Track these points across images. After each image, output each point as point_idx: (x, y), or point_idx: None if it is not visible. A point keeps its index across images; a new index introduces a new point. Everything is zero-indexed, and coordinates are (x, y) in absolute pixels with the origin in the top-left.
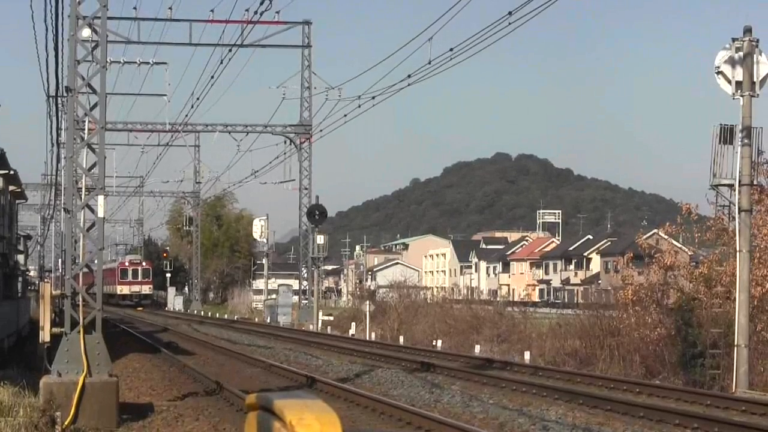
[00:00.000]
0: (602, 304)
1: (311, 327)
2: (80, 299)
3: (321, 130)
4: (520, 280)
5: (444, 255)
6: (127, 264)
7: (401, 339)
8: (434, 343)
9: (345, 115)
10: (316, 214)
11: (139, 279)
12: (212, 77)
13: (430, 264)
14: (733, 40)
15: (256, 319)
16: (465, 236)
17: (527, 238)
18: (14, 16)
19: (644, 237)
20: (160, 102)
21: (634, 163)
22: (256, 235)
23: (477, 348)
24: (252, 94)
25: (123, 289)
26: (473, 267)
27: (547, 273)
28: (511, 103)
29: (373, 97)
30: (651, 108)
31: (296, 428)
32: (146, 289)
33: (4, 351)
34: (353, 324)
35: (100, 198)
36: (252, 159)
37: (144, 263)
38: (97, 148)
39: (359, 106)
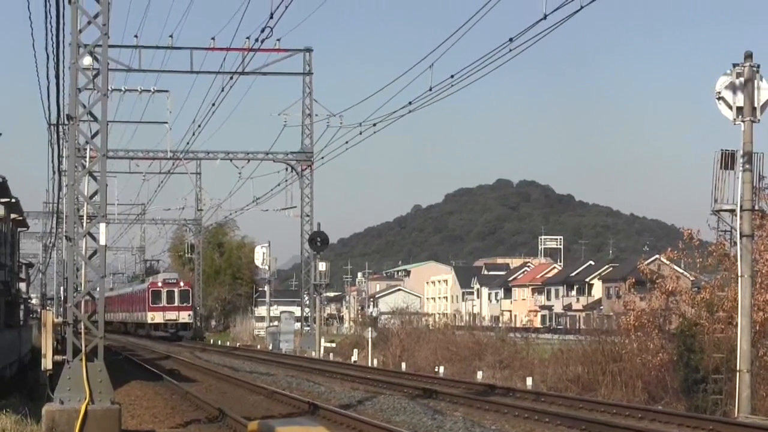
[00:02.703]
0: (604, 330)
1: (313, 354)
2: (82, 327)
3: (322, 157)
4: (522, 306)
5: (446, 281)
6: (160, 284)
7: (403, 365)
8: (436, 370)
9: (346, 142)
10: (318, 241)
11: (176, 303)
12: (213, 105)
13: (432, 290)
14: (734, 65)
15: (259, 346)
16: (467, 262)
17: (529, 264)
18: (15, 44)
19: (646, 262)
20: (162, 129)
21: (636, 189)
22: (258, 262)
23: (479, 374)
24: (253, 121)
25: (155, 317)
26: (475, 293)
27: (549, 299)
28: (512, 129)
29: (374, 124)
30: (653, 133)
31: None
32: (185, 317)
33: (6, 379)
34: (355, 351)
35: (102, 226)
36: (253, 186)
37: (182, 283)
38: (98, 176)
39: (360, 133)
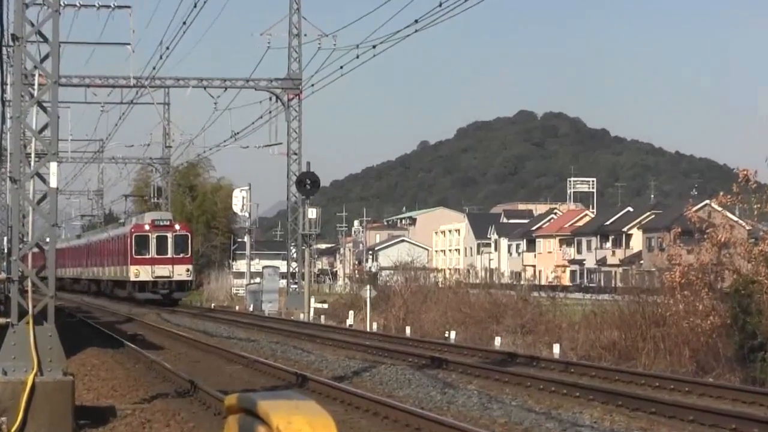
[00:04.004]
0: (645, 288)
1: (302, 316)
2: (29, 284)
3: (312, 85)
4: (547, 261)
5: (458, 231)
6: (147, 227)
7: (408, 330)
8: (447, 335)
9: (341, 67)
10: (307, 183)
11: (170, 254)
12: (184, 23)
13: (441, 242)
14: None
15: (237, 307)
16: (483, 209)
17: (556, 210)
18: None
19: (694, 209)
20: (123, 52)
21: (682, 122)
22: (236, 208)
23: (497, 340)
24: (231, 43)
25: (140, 273)
26: (492, 245)
27: (579, 252)
28: (537, 51)
29: (374, 46)
30: (701, 58)
31: None
32: (182, 272)
33: None
34: (351, 313)
35: (53, 165)
36: (231, 119)
37: (177, 226)
38: (48, 107)
39: (357, 57)
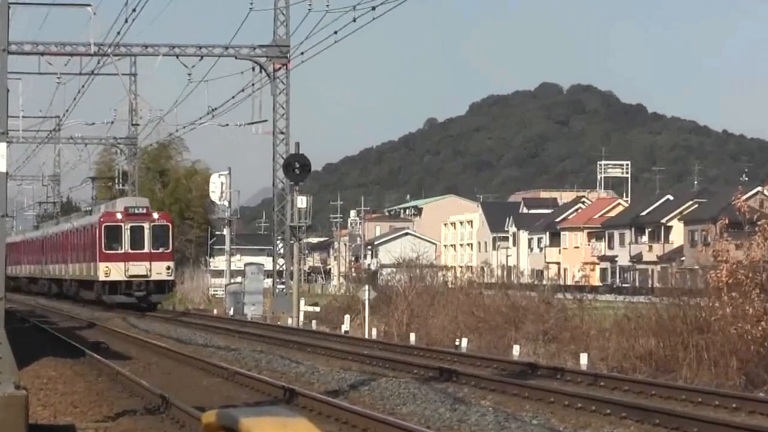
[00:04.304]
0: (686, 289)
1: (290, 321)
2: None
3: (302, 53)
4: (574, 257)
5: (470, 223)
6: (119, 216)
7: (412, 337)
8: (457, 343)
9: (335, 32)
10: (296, 167)
11: (146, 248)
12: None
13: (451, 235)
14: None
15: (215, 311)
16: (499, 197)
17: (584, 199)
18: None
19: (744, 197)
20: (83, 15)
21: (730, 97)
22: (214, 196)
23: (516, 349)
24: (208, 4)
25: (110, 271)
26: (510, 239)
27: (611, 247)
28: (562, 15)
29: (374, 8)
30: (751, 24)
31: None
32: (161, 270)
33: None
34: (347, 317)
35: (2, 146)
36: (208, 93)
37: (156, 215)
38: None
39: (354, 20)
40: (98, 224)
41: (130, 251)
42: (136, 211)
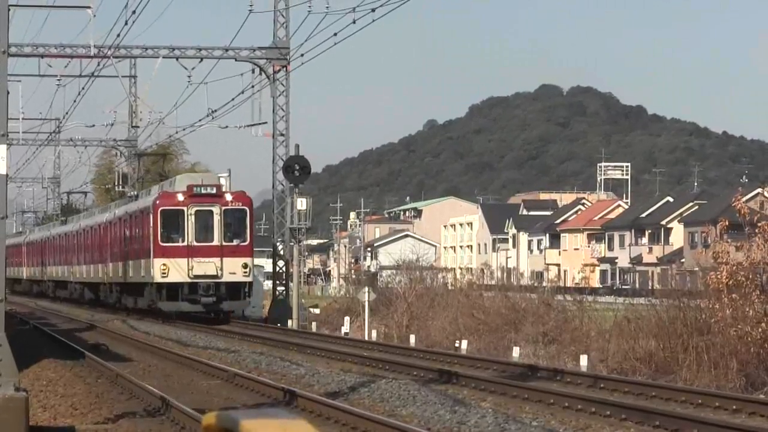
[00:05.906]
0: (686, 291)
1: (290, 323)
2: None
3: (302, 55)
4: (574, 259)
5: (470, 225)
6: (181, 198)
7: (412, 339)
8: (457, 345)
9: (335, 34)
10: (296, 169)
11: (217, 240)
12: None
13: (451, 237)
14: None
15: None
16: (499, 199)
17: (584, 201)
18: None
19: (744, 199)
20: (83, 17)
21: (730, 99)
22: None
23: (515, 351)
24: (208, 6)
25: (169, 269)
26: (510, 241)
27: (611, 249)
28: (562, 15)
29: (374, 10)
30: (751, 24)
31: None
32: (237, 269)
33: None
34: (347, 319)
35: (2, 148)
36: (208, 94)
37: (229, 196)
38: None
39: (354, 22)
40: (153, 209)
41: (195, 244)
42: (204, 191)
